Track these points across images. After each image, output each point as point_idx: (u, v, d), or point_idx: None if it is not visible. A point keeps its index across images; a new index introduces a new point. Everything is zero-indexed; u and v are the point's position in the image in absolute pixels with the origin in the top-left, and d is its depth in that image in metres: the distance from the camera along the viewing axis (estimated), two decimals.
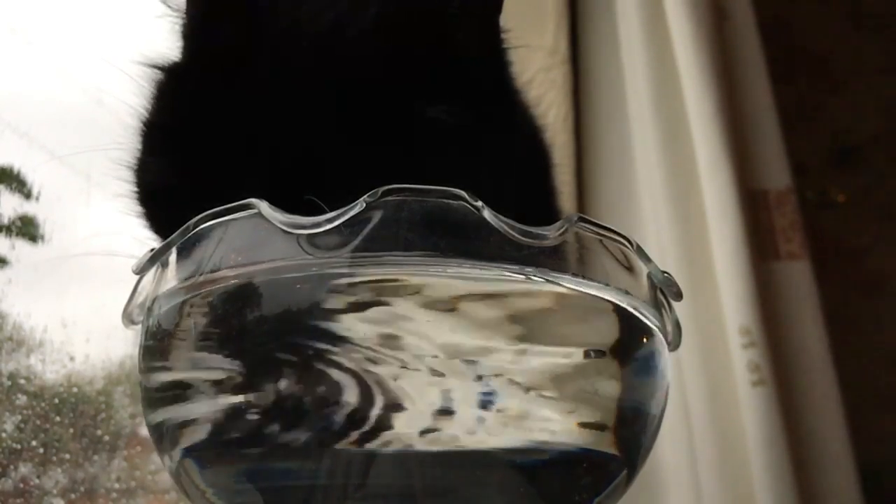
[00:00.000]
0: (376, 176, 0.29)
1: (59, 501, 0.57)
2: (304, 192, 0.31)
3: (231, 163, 0.35)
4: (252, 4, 0.37)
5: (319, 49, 0.36)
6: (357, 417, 0.27)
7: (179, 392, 0.30)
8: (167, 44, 0.40)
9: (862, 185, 1.19)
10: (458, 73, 0.38)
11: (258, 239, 0.29)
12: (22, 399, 0.55)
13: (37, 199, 0.58)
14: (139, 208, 0.39)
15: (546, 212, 0.44)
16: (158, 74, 0.39)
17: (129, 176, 0.39)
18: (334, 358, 0.27)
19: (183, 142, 0.36)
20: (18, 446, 0.54)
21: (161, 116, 0.38)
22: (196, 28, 0.39)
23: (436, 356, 0.28)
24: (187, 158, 0.36)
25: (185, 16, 0.39)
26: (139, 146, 0.38)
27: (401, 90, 0.36)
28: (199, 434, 0.30)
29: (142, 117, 0.39)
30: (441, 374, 0.28)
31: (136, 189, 0.39)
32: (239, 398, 0.28)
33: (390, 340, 0.28)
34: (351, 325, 0.28)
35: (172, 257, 0.31)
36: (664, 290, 0.34)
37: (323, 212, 0.28)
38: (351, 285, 0.29)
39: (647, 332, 0.33)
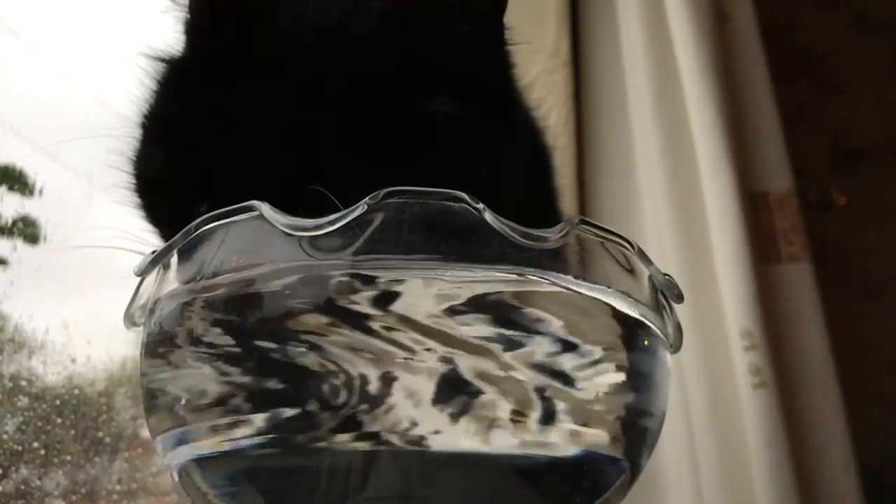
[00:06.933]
0: (377, 172, 0.29)
1: (60, 503, 0.57)
2: (305, 186, 0.31)
3: (231, 156, 0.35)
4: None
5: (323, 44, 0.36)
6: (358, 418, 0.27)
7: (181, 393, 0.30)
8: (170, 38, 0.40)
9: (863, 187, 1.19)
10: (462, 70, 0.38)
11: (260, 241, 0.29)
12: (23, 401, 0.55)
13: (40, 192, 0.58)
14: (138, 200, 0.39)
15: (547, 213, 0.44)
16: (161, 67, 0.39)
17: (129, 167, 0.39)
18: (336, 359, 0.27)
19: (184, 134, 0.36)
20: (20, 448, 0.54)
21: (163, 108, 0.38)
22: (199, 22, 0.39)
23: (436, 357, 0.28)
24: (188, 150, 0.36)
25: (188, 10, 0.39)
26: (140, 137, 0.39)
27: (404, 86, 0.36)
28: (200, 435, 0.30)
29: (143, 109, 0.39)
30: (441, 376, 0.28)
31: (135, 180, 0.39)
32: (240, 399, 0.28)
33: (392, 341, 0.28)
34: (353, 325, 0.28)
35: (174, 259, 0.31)
36: (665, 293, 0.34)
37: (328, 201, 0.28)
38: (353, 287, 0.29)
39: (649, 334, 0.33)
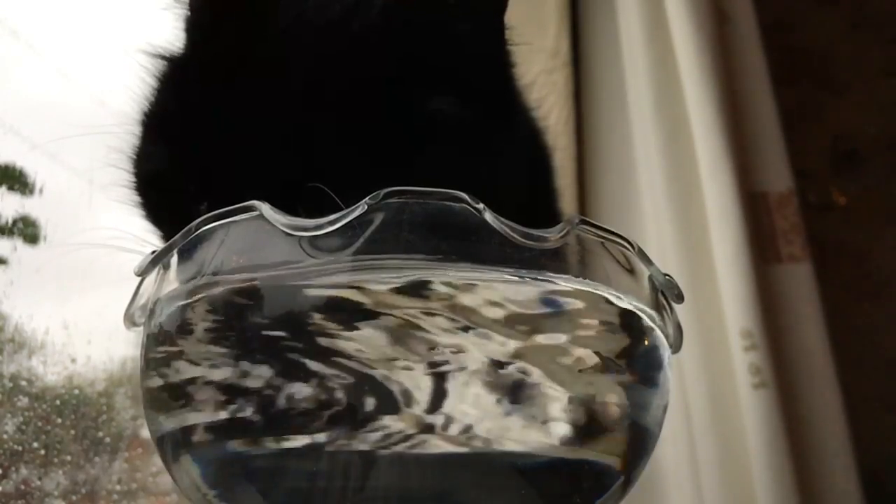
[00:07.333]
0: (377, 172, 0.29)
1: (60, 503, 0.57)
2: (305, 186, 0.31)
3: (232, 155, 0.35)
4: None
5: (324, 41, 0.36)
6: (357, 419, 0.27)
7: (181, 394, 0.30)
8: (170, 36, 0.40)
9: (863, 187, 1.19)
10: (462, 69, 0.38)
11: (260, 241, 0.29)
12: (23, 401, 0.55)
13: (40, 192, 0.58)
14: (138, 198, 0.39)
15: (547, 214, 0.44)
16: (161, 64, 0.39)
17: (129, 165, 0.39)
18: (336, 359, 0.27)
19: (184, 132, 0.36)
20: (20, 448, 0.54)
21: (163, 106, 0.38)
22: (200, 19, 0.39)
23: (438, 359, 0.28)
24: (188, 149, 0.36)
25: (188, 7, 0.40)
26: (140, 135, 0.39)
27: (404, 85, 0.36)
28: (200, 436, 0.30)
29: (143, 106, 0.39)
30: (442, 376, 0.28)
31: (135, 178, 0.39)
32: (240, 400, 0.28)
33: (393, 342, 0.28)
34: (354, 326, 0.28)
35: (174, 259, 0.31)
36: (665, 293, 0.34)
37: (328, 201, 0.28)
38: (355, 286, 0.29)
39: (649, 334, 0.33)
